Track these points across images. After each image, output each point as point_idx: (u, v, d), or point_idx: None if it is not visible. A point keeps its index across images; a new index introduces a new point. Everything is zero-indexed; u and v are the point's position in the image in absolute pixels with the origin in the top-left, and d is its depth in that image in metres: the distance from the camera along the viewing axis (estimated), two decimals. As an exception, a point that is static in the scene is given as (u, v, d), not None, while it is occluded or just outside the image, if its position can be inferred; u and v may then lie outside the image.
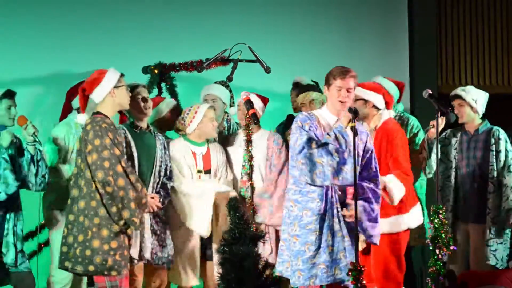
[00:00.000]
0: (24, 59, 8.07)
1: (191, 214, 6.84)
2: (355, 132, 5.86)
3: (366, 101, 6.75)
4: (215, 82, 7.68)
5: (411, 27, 9.57)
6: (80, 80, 6.96)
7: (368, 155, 6.11)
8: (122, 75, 6.34)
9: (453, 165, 7.49)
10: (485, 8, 9.98)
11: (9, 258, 6.40)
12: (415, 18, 9.59)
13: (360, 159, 6.05)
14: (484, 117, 7.55)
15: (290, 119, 7.75)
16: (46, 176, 6.45)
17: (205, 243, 6.96)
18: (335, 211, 5.97)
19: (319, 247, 5.93)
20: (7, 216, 6.43)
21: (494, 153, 7.41)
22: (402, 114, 7.74)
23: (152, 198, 6.54)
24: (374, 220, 6.03)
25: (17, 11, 8.15)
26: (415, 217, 6.79)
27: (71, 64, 8.04)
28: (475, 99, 7.43)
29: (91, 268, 6.05)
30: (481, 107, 7.50)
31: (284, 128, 7.64)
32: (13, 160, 6.40)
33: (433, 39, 9.71)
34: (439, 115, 6.96)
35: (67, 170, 6.81)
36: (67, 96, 7.06)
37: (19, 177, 6.39)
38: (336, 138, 5.92)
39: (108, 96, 6.25)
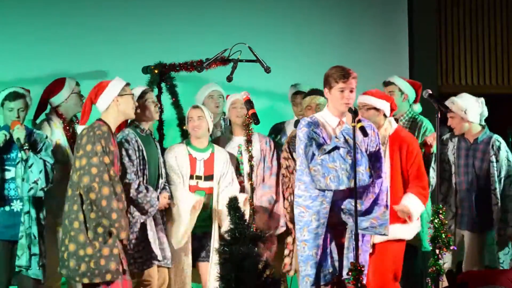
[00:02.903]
0: (24, 59, 8.07)
1: (172, 222, 6.87)
2: (354, 132, 5.86)
3: (377, 110, 6.73)
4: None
5: (411, 27, 9.57)
6: (64, 76, 7.01)
7: (377, 150, 6.09)
8: (127, 84, 6.34)
9: (452, 171, 7.45)
10: (485, 8, 9.98)
11: (23, 261, 6.39)
12: (415, 18, 9.58)
13: (369, 157, 6.03)
14: (485, 122, 7.51)
15: (276, 129, 7.75)
16: (39, 182, 6.39)
17: (204, 244, 6.96)
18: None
19: (324, 251, 5.96)
20: (22, 219, 6.43)
21: (494, 164, 7.33)
22: (416, 117, 7.66)
23: (164, 197, 6.63)
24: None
25: (17, 11, 8.15)
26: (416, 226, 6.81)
27: (71, 64, 8.03)
28: (463, 109, 7.32)
29: (63, 271, 6.04)
30: (474, 116, 7.37)
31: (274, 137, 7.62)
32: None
33: (433, 39, 9.71)
34: (439, 115, 6.96)
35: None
36: (45, 94, 7.02)
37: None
38: (346, 141, 5.90)
39: (112, 104, 6.24)
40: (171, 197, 6.76)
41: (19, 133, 6.37)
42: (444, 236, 6.58)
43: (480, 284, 6.89)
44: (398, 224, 6.57)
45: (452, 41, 9.87)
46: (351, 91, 5.99)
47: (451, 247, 6.64)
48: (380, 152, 6.10)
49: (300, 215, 6.00)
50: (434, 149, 7.15)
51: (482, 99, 7.46)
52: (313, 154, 5.89)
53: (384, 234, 6.10)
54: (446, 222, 6.67)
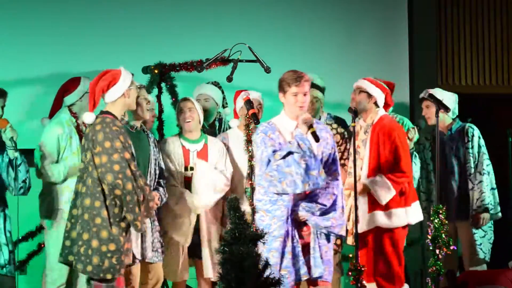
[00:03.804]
0: (24, 59, 8.07)
1: (174, 222, 6.88)
2: (354, 133, 5.87)
3: (369, 96, 6.78)
4: (208, 83, 7.71)
5: (411, 27, 9.56)
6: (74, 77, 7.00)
7: (333, 153, 6.14)
8: (132, 75, 6.34)
9: (431, 168, 7.55)
10: (485, 8, 9.97)
11: (2, 259, 6.38)
12: (415, 18, 9.58)
13: (325, 159, 6.09)
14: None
15: None
16: (27, 181, 6.40)
17: (199, 242, 6.97)
18: (291, 216, 6.07)
19: (283, 253, 6.02)
20: None
21: (470, 150, 7.50)
22: (395, 116, 7.72)
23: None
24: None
25: (17, 11, 8.16)
26: (415, 212, 6.81)
27: (71, 64, 8.03)
28: (441, 99, 7.45)
29: (89, 268, 6.03)
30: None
31: None
32: None
33: (433, 39, 9.71)
34: (439, 115, 6.97)
35: (61, 170, 6.78)
36: (60, 92, 7.03)
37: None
38: (299, 145, 5.97)
39: (121, 97, 6.24)
40: (164, 195, 6.71)
41: (12, 133, 6.35)
42: (444, 236, 6.60)
43: (480, 284, 6.90)
44: (379, 211, 6.64)
45: (452, 41, 9.87)
46: (305, 95, 6.10)
47: (451, 247, 6.66)
48: (336, 155, 6.17)
49: (260, 219, 6.11)
50: (412, 144, 7.26)
51: (456, 95, 7.60)
52: (269, 160, 6.01)
53: (341, 236, 6.24)
54: (446, 222, 6.68)
